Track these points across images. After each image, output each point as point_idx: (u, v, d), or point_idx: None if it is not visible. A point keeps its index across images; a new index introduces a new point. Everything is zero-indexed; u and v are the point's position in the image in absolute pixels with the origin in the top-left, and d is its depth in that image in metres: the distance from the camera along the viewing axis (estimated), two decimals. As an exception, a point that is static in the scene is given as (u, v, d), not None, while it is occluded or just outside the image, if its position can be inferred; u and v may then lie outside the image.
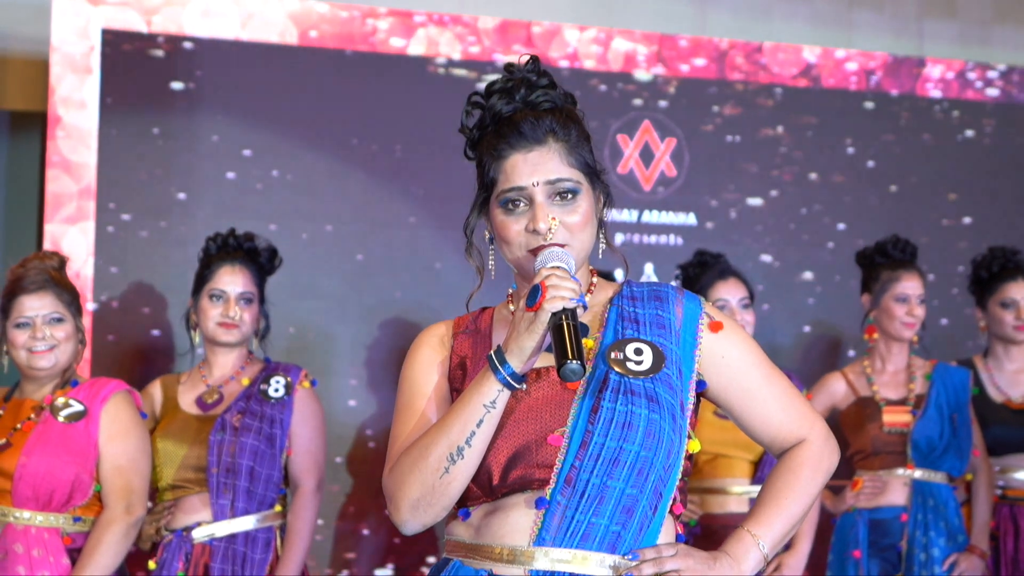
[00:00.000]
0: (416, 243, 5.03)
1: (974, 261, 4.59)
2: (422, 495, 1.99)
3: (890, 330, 4.30)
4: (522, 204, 2.06)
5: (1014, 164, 5.76)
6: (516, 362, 1.95)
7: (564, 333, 1.90)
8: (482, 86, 2.18)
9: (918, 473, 4.19)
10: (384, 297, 4.99)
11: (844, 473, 4.32)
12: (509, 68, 2.13)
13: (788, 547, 4.03)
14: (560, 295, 1.92)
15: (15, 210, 4.74)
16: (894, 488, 4.19)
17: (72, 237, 4.61)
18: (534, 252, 2.05)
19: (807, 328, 5.38)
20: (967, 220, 5.64)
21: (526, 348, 1.94)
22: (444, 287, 5.02)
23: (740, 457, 4.06)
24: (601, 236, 2.14)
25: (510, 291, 2.20)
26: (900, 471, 4.19)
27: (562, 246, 2.05)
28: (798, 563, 4.02)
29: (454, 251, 5.04)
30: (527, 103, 2.10)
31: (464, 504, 2.06)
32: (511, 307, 2.17)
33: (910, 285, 4.28)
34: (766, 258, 5.37)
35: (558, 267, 1.98)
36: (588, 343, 2.05)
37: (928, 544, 4.12)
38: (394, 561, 4.88)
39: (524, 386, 1.99)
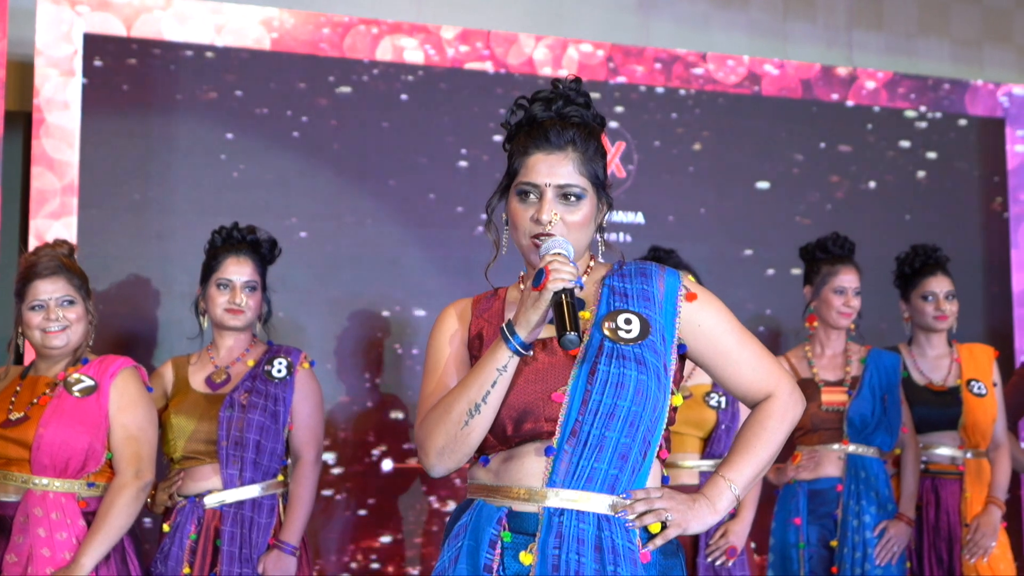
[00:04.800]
0: (381, 239, 5.20)
1: (898, 258, 4.78)
2: (446, 443, 2.32)
3: (828, 319, 4.52)
4: (533, 197, 2.39)
5: (940, 170, 6.12)
6: (523, 332, 2.28)
7: (563, 309, 2.22)
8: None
9: (852, 448, 4.39)
10: (350, 290, 5.16)
11: (785, 448, 4.60)
12: (555, 84, 2.45)
13: (733, 515, 4.21)
14: (561, 277, 2.24)
15: (2, 205, 4.85)
16: (830, 461, 4.40)
17: (56, 231, 4.74)
18: (534, 239, 2.36)
19: (751, 319, 5.59)
20: (904, 219, 5.93)
21: (532, 321, 2.27)
22: (407, 281, 5.20)
23: (691, 434, 4.28)
24: (600, 237, 2.46)
25: (521, 273, 2.51)
26: (836, 446, 4.40)
27: None
28: (743, 530, 4.20)
29: (417, 247, 5.26)
30: (560, 114, 2.42)
31: (484, 452, 2.38)
32: (521, 287, 2.49)
33: (847, 278, 4.50)
34: (711, 255, 5.59)
35: (559, 253, 2.31)
36: (585, 315, 2.36)
37: (860, 512, 4.32)
38: (361, 542, 5.09)
39: (531, 353, 2.31)
